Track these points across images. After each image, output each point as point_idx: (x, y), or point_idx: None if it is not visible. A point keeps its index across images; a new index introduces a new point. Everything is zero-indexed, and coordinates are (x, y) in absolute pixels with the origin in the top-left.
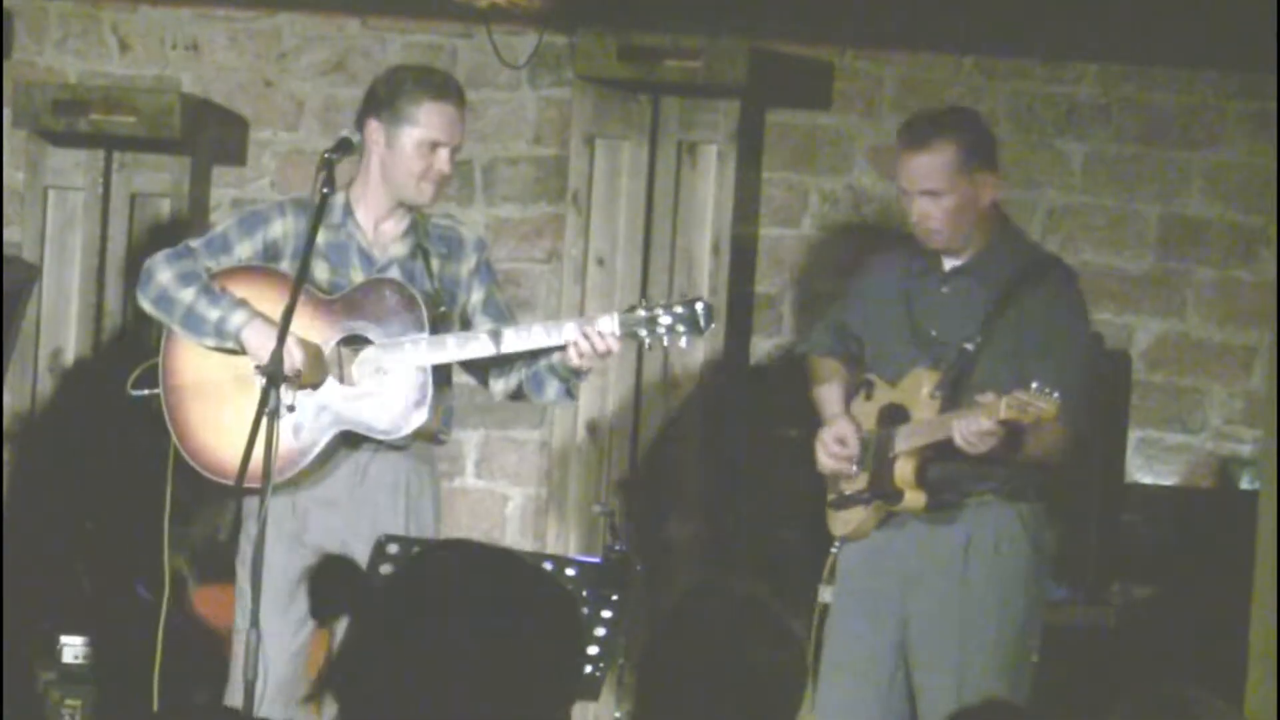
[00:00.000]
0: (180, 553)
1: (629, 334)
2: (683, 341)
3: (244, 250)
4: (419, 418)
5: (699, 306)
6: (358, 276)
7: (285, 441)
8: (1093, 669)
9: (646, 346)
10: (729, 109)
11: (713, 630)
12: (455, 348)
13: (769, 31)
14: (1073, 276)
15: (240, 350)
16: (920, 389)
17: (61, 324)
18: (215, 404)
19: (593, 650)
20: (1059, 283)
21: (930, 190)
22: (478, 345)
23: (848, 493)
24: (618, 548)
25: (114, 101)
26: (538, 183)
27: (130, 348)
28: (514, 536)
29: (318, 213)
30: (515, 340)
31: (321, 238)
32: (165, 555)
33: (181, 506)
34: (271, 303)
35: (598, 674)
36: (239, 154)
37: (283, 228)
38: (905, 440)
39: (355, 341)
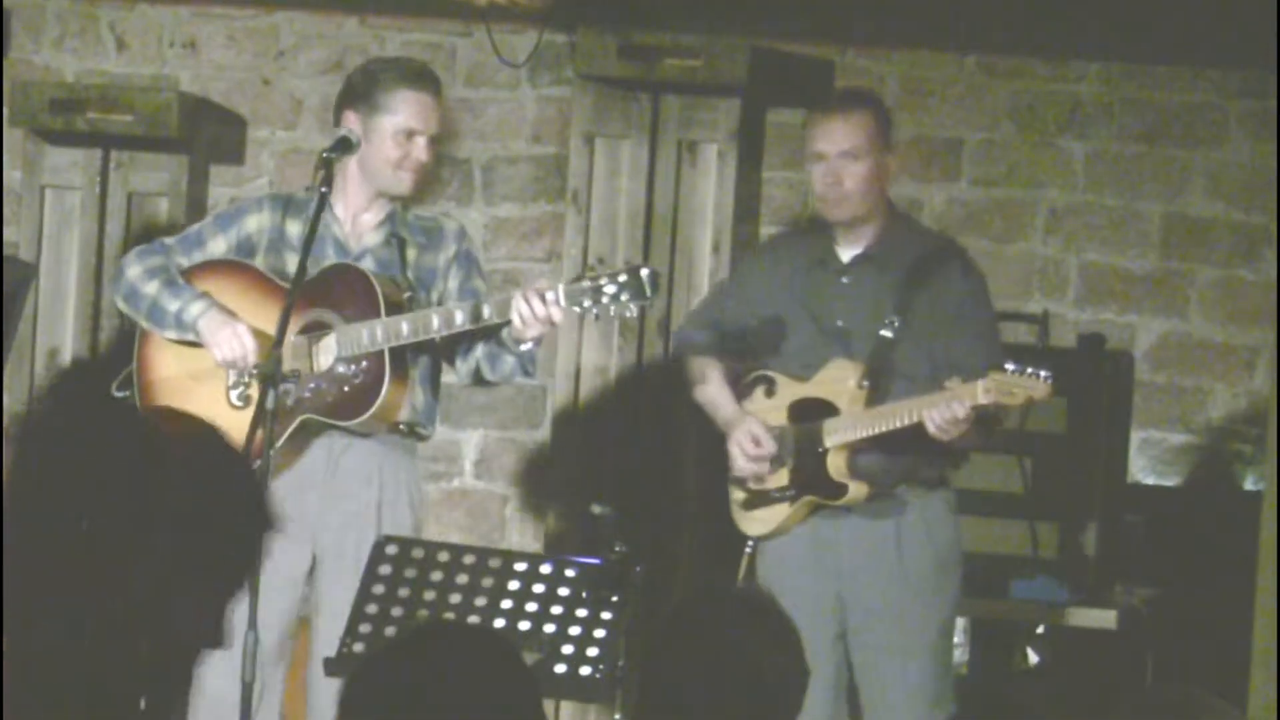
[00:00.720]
0: None
1: (574, 304)
2: (630, 310)
3: (217, 246)
4: (377, 403)
5: (644, 273)
6: None
7: (247, 431)
8: (1095, 671)
9: (594, 317)
10: (729, 108)
11: (713, 632)
12: (409, 331)
13: (769, 30)
14: (969, 256)
15: (199, 341)
16: (845, 380)
17: (58, 324)
18: (184, 399)
19: (593, 652)
20: (962, 264)
21: (849, 151)
22: (430, 327)
23: (771, 489)
24: (618, 548)
25: (111, 100)
26: (537, 182)
27: (127, 348)
28: (513, 538)
29: (316, 212)
30: (465, 319)
31: (296, 230)
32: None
33: None
34: (241, 295)
35: (597, 675)
36: (237, 153)
37: (258, 223)
38: (842, 433)
39: (316, 329)
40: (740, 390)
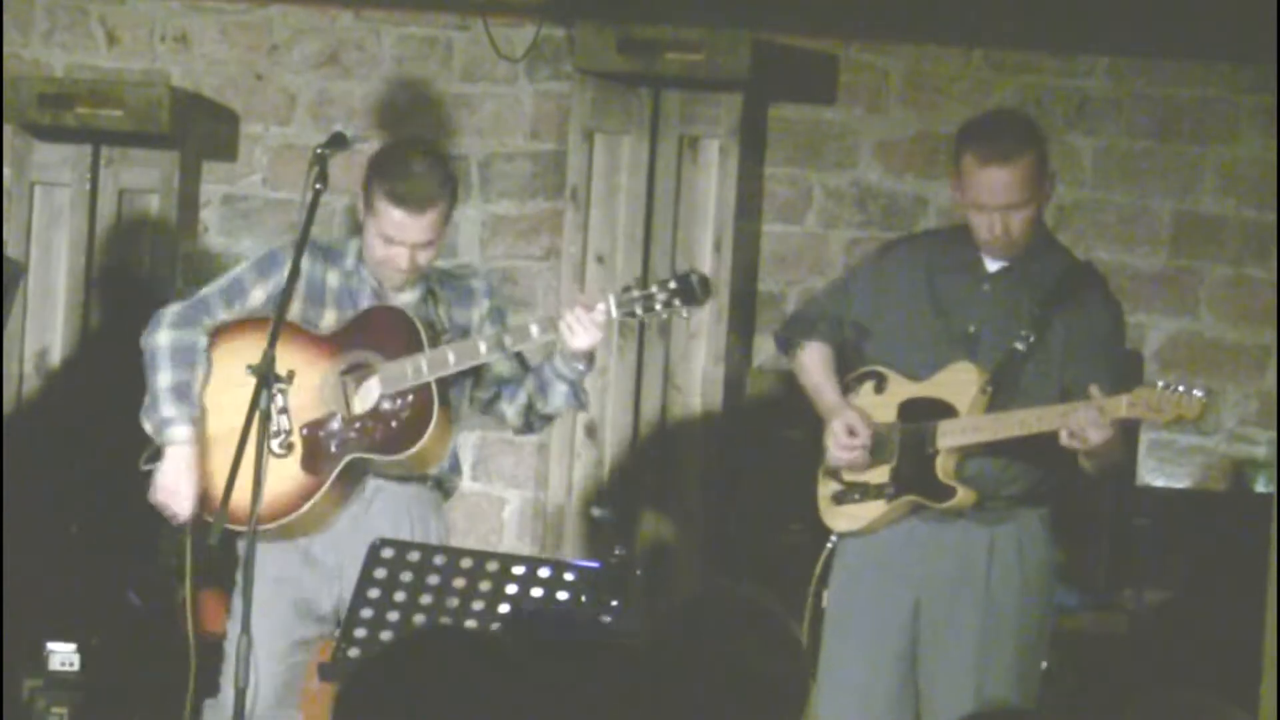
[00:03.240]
0: (171, 558)
1: (626, 313)
2: (682, 314)
3: (258, 293)
4: (428, 433)
5: (693, 279)
6: None
7: (295, 477)
8: (1104, 675)
9: (646, 325)
10: (731, 103)
11: (713, 636)
12: (455, 360)
13: (772, 24)
14: (1109, 284)
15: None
16: (968, 385)
17: (48, 323)
18: (223, 452)
19: None
20: (1103, 291)
21: (1015, 204)
22: (477, 352)
23: (869, 484)
24: (617, 551)
25: (101, 95)
26: (535, 178)
27: (117, 348)
28: (511, 540)
29: (311, 211)
30: (512, 341)
31: (335, 280)
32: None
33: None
34: (282, 351)
35: None
36: (229, 149)
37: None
38: (959, 435)
39: (358, 370)
40: (848, 384)
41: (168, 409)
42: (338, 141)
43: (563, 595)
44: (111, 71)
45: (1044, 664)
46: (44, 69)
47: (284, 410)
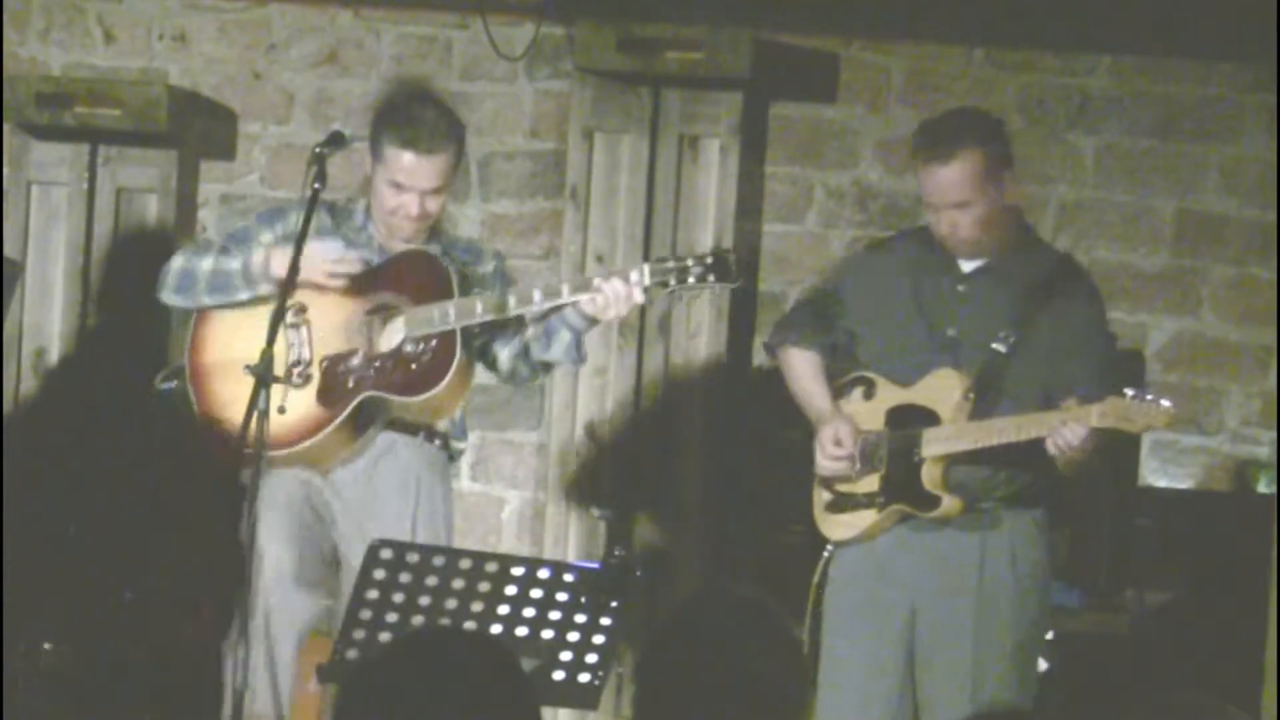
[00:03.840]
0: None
1: (659, 283)
2: (715, 289)
3: (266, 238)
4: (448, 377)
5: (729, 256)
6: None
7: (309, 408)
8: (1105, 676)
9: (678, 297)
10: (731, 101)
11: (714, 637)
12: (483, 310)
13: (773, 22)
14: (1093, 279)
15: (271, 289)
16: (950, 390)
17: (45, 323)
18: (237, 382)
19: (591, 658)
20: (1087, 287)
21: (961, 202)
22: (505, 305)
23: (859, 493)
24: (617, 552)
25: (99, 94)
26: (535, 177)
27: (116, 347)
28: (511, 541)
29: (309, 209)
30: (542, 298)
31: (344, 236)
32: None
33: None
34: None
35: (596, 682)
36: (228, 148)
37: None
38: (942, 443)
39: (384, 310)
40: (837, 390)
41: (232, 264)
42: (336, 141)
43: (562, 596)
44: (109, 70)
45: (1044, 665)
46: (41, 68)
47: (306, 341)
